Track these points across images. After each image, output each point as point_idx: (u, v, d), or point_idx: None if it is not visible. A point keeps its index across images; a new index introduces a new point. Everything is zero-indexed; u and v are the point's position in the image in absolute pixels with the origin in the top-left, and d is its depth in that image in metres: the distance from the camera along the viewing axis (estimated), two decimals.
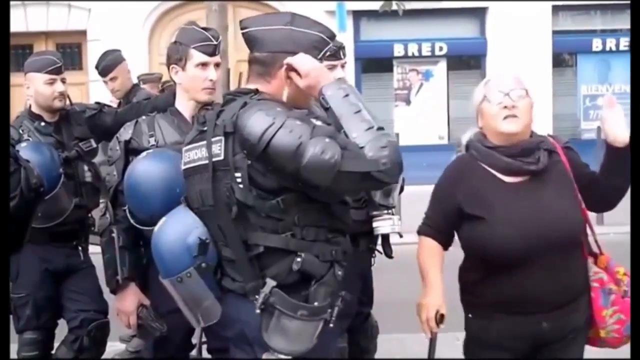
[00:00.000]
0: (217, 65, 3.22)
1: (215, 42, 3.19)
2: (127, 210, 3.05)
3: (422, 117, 13.58)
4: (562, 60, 14.17)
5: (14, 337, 3.47)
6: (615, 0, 12.91)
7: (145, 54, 13.08)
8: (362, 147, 2.18)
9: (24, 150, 3.41)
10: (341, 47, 3.56)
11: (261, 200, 2.28)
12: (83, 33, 13.19)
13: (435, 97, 13.73)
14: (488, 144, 2.79)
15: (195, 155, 2.43)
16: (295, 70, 2.34)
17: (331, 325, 2.35)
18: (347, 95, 2.29)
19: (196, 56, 3.14)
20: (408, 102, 13.88)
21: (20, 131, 3.91)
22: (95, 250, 3.65)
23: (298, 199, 2.28)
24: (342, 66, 3.55)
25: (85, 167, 4.04)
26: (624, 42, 13.37)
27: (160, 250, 2.46)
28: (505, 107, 2.71)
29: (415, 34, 13.51)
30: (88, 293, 3.99)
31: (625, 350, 2.64)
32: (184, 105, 3.24)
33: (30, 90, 3.98)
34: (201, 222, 2.40)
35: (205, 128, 2.40)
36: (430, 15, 13.38)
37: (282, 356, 2.29)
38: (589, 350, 2.91)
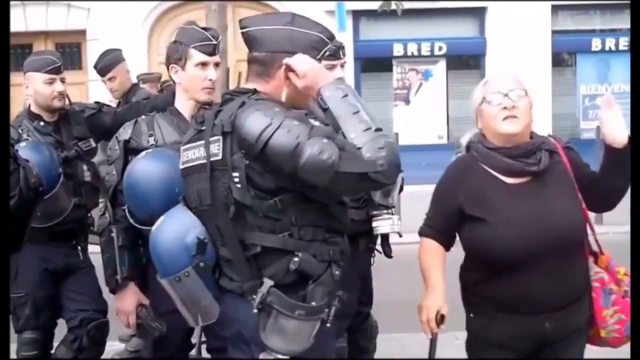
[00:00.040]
0: (216, 64, 3.22)
1: (215, 42, 3.19)
2: (126, 210, 3.05)
3: (421, 116, 13.58)
4: (561, 59, 14.16)
5: (13, 336, 3.47)
6: (615, 0, 12.92)
7: (144, 53, 13.08)
8: (359, 148, 2.18)
9: (23, 150, 3.41)
10: (341, 47, 3.55)
11: (259, 200, 2.28)
12: (82, 33, 13.17)
13: (435, 96, 13.73)
14: (489, 145, 2.78)
15: (193, 154, 2.43)
16: (294, 71, 2.34)
17: (328, 325, 2.35)
18: (345, 96, 2.29)
19: (196, 56, 3.15)
20: (407, 101, 13.87)
21: (20, 131, 3.91)
22: (94, 250, 3.65)
23: (296, 199, 2.28)
24: (342, 66, 3.55)
25: (85, 167, 4.04)
26: (624, 42, 13.37)
27: (158, 249, 2.46)
28: (505, 107, 2.70)
29: (414, 34, 13.50)
30: (87, 293, 3.99)
31: (625, 350, 2.65)
32: (184, 105, 3.24)
33: (29, 89, 3.99)
34: (199, 222, 2.40)
35: (204, 127, 2.40)
36: (430, 15, 13.38)
37: (280, 356, 2.29)
38: (589, 350, 2.91)
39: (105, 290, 3.43)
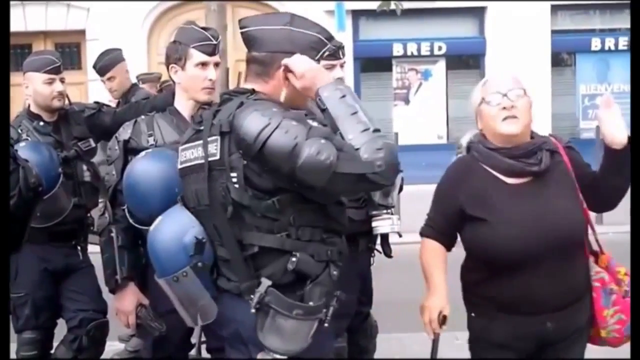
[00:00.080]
0: (216, 64, 3.22)
1: (214, 42, 3.18)
2: (126, 210, 3.05)
3: (421, 116, 13.58)
4: (561, 59, 14.17)
5: (13, 336, 3.47)
6: (615, 0, 12.92)
7: (144, 53, 13.08)
8: (357, 149, 2.17)
9: (23, 150, 3.40)
10: (340, 47, 3.55)
11: (257, 200, 2.28)
12: (82, 33, 13.18)
13: (434, 96, 13.73)
14: (489, 145, 2.77)
15: (191, 154, 2.43)
16: (292, 71, 2.34)
17: (326, 324, 2.35)
18: (343, 97, 2.29)
19: (196, 56, 3.14)
20: (407, 101, 13.88)
21: (19, 131, 3.91)
22: (94, 250, 3.65)
23: (293, 200, 2.28)
24: (341, 66, 3.54)
25: (84, 167, 4.03)
26: (623, 42, 13.38)
27: (156, 249, 2.46)
28: (504, 108, 2.70)
29: (414, 34, 13.51)
30: (87, 293, 3.99)
31: (625, 350, 2.65)
32: (183, 105, 3.24)
33: (29, 89, 3.99)
34: (197, 222, 2.40)
35: (202, 127, 2.40)
36: (430, 15, 13.39)
37: (277, 356, 2.29)
38: (589, 350, 2.91)
39: (105, 290, 3.43)
